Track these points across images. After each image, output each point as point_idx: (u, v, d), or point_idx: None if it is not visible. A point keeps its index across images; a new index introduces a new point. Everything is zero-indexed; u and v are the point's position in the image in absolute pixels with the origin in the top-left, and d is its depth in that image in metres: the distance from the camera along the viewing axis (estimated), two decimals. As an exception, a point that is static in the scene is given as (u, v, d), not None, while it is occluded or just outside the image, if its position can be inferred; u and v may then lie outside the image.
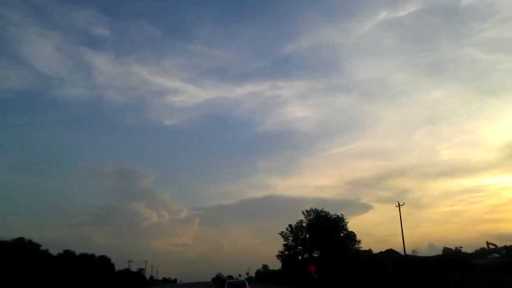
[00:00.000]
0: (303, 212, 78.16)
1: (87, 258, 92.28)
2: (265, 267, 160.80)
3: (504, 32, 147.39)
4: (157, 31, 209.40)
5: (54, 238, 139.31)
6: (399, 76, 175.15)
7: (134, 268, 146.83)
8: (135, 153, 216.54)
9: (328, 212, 74.45)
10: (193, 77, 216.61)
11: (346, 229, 73.85)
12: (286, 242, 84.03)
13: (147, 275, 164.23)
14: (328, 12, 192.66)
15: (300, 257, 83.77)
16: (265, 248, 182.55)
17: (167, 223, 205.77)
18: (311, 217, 77.13)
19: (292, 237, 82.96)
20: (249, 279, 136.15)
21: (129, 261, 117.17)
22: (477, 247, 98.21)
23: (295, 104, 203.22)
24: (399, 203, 63.82)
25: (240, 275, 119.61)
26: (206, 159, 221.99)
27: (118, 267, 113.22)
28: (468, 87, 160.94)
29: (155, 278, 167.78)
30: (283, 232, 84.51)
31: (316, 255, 77.17)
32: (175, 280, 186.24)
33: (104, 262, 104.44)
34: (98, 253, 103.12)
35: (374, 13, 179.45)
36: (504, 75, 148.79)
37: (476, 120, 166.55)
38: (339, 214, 73.34)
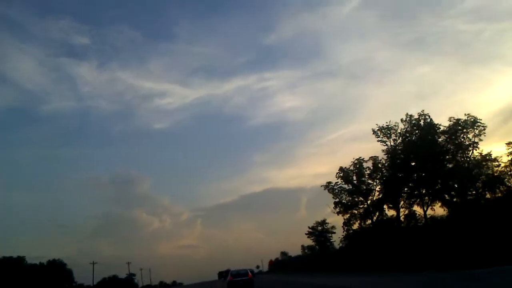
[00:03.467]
0: (374, 132, 42.34)
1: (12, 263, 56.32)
2: (284, 254, 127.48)
3: (484, 0, 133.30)
4: (137, 35, 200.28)
5: (59, 254, 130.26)
6: (384, 55, 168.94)
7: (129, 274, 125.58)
8: (128, 160, 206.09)
9: (427, 115, 38.78)
10: (179, 78, 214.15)
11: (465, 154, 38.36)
12: (336, 199, 49.00)
13: (144, 280, 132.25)
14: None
15: (362, 223, 48.85)
16: (272, 240, 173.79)
17: (169, 227, 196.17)
18: (392, 137, 41.46)
19: (349, 189, 47.98)
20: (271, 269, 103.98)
21: (93, 263, 78.43)
22: None
23: (284, 94, 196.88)
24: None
25: (258, 266, 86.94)
26: (201, 159, 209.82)
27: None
28: (453, 59, 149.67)
29: (146, 284, 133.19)
30: (329, 184, 49.47)
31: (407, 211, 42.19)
32: (173, 284, 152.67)
33: (53, 269, 68.89)
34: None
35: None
36: (488, 44, 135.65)
37: (465, 91, 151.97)
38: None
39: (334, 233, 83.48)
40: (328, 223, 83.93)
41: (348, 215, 49.15)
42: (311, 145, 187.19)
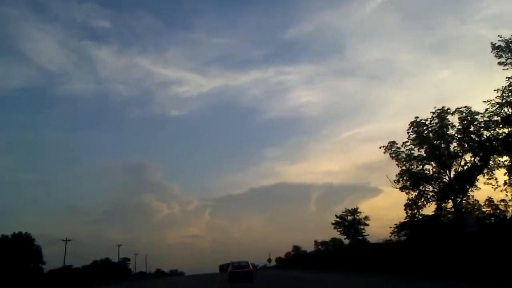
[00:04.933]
0: (494, 48, 25.98)
1: None
2: (297, 248, 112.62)
3: (508, 6, 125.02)
4: (157, 22, 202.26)
5: (68, 236, 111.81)
6: (405, 57, 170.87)
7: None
8: (142, 146, 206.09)
9: None
10: (197, 66, 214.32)
11: None
12: (402, 166, 33.44)
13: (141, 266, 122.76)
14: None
15: (439, 206, 33.07)
16: (281, 235, 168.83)
17: (176, 215, 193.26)
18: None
19: (420, 155, 32.41)
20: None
21: (66, 240, 64.06)
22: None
23: (301, 89, 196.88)
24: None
25: (270, 260, 73.84)
26: (214, 148, 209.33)
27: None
28: (474, 64, 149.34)
29: (140, 271, 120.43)
30: (393, 144, 34.00)
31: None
32: (172, 272, 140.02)
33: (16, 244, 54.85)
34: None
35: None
36: None
37: (485, 97, 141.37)
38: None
39: (367, 225, 69.04)
40: (360, 212, 69.79)
41: (416, 192, 33.56)
42: (325, 141, 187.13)
